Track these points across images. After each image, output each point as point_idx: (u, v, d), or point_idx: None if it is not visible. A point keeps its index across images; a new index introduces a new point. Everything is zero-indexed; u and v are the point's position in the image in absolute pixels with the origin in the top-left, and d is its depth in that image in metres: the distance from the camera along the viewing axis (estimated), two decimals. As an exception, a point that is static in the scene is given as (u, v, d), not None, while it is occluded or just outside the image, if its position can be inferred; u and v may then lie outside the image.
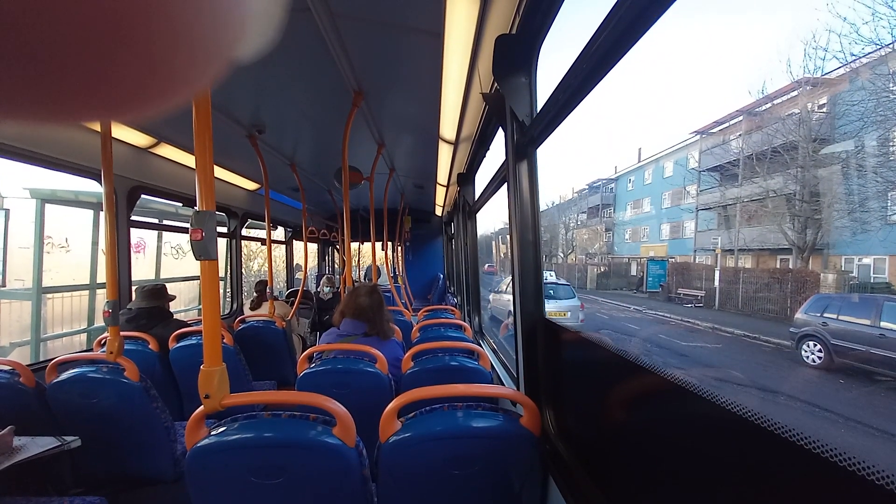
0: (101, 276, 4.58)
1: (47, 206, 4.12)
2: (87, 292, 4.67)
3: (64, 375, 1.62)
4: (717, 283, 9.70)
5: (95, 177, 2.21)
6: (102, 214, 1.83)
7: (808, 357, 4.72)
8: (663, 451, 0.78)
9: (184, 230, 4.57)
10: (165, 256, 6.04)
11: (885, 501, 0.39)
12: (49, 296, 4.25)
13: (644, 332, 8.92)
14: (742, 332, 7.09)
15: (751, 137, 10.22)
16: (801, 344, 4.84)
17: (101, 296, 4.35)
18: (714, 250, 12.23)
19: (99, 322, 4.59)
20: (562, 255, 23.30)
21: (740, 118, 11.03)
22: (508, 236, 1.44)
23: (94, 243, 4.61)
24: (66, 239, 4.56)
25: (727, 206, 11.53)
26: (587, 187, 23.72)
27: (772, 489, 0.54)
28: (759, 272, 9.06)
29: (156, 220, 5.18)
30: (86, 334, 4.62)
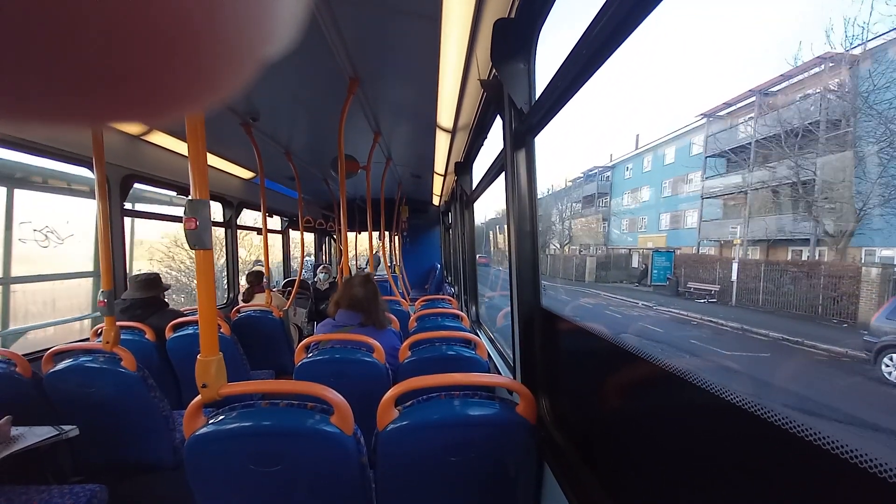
0: (75, 265, 4.37)
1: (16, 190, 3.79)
2: (77, 281, 4.45)
3: (61, 365, 1.62)
4: (734, 276, 8.84)
5: (87, 165, 2.18)
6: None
7: (891, 374, 3.81)
8: (657, 438, 0.79)
9: (177, 219, 4.48)
10: (24, 243, 4.35)
11: (883, 491, 0.40)
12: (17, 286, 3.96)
13: (669, 335, 7.52)
14: (780, 335, 5.98)
15: (769, 117, 9.31)
16: (881, 357, 3.87)
17: (75, 284, 4.12)
18: (719, 241, 11.52)
19: (73, 313, 4.37)
20: (558, 245, 23.11)
21: (752, 98, 10.22)
22: (506, 226, 1.43)
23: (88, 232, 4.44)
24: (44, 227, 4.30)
25: (738, 193, 10.68)
26: (582, 175, 23.37)
27: (764, 475, 0.55)
28: (784, 265, 8.00)
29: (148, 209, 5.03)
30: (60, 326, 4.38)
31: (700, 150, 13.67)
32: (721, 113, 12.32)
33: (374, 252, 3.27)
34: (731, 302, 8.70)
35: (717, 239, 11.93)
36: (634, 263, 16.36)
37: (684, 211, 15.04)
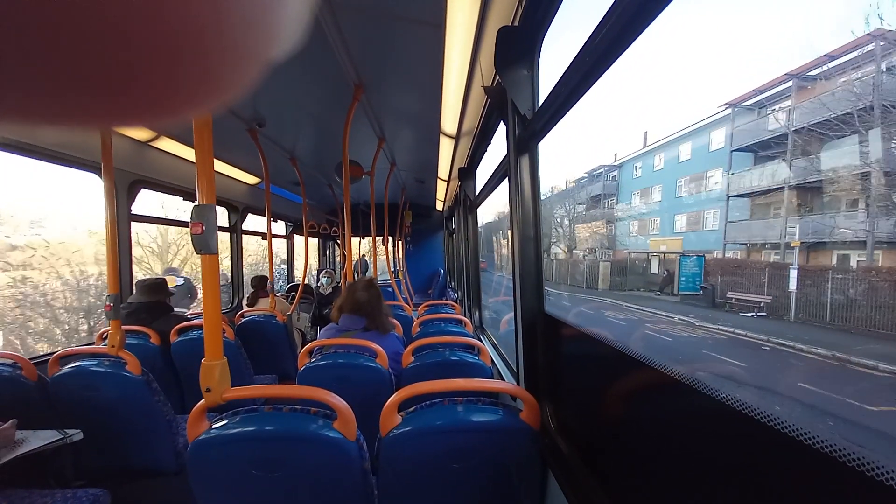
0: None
1: None
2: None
3: (66, 369, 1.63)
4: (792, 285, 7.35)
5: (95, 170, 2.20)
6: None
7: None
8: (661, 445, 0.79)
9: (184, 224, 4.48)
10: None
11: (883, 493, 0.39)
12: None
13: (761, 374, 5.78)
14: (898, 368, 4.21)
15: (832, 95, 8.06)
16: None
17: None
18: (746, 244, 10.43)
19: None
20: (564, 248, 22.55)
21: (789, 83, 9.34)
22: (509, 231, 1.43)
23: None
24: None
25: (777, 189, 9.43)
26: (586, 175, 22.12)
27: (768, 482, 0.54)
28: (861, 273, 6.49)
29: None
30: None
31: (720, 146, 12.54)
32: (748, 102, 11.09)
33: (361, 256, 3.27)
34: (789, 317, 7.21)
35: (745, 241, 10.64)
36: (653, 269, 15.03)
37: (703, 211, 13.80)
